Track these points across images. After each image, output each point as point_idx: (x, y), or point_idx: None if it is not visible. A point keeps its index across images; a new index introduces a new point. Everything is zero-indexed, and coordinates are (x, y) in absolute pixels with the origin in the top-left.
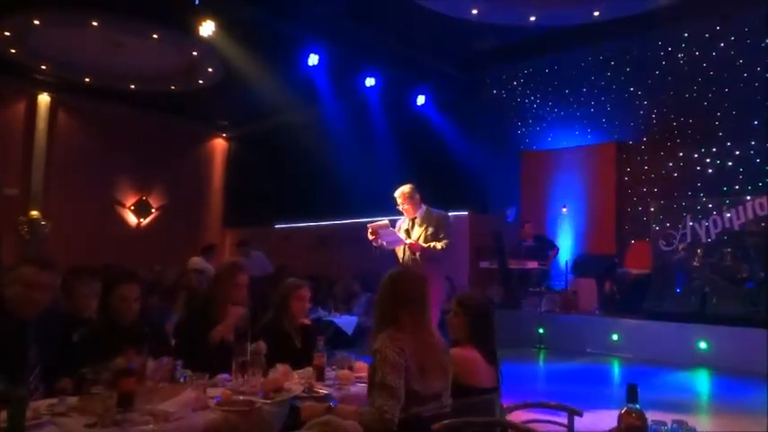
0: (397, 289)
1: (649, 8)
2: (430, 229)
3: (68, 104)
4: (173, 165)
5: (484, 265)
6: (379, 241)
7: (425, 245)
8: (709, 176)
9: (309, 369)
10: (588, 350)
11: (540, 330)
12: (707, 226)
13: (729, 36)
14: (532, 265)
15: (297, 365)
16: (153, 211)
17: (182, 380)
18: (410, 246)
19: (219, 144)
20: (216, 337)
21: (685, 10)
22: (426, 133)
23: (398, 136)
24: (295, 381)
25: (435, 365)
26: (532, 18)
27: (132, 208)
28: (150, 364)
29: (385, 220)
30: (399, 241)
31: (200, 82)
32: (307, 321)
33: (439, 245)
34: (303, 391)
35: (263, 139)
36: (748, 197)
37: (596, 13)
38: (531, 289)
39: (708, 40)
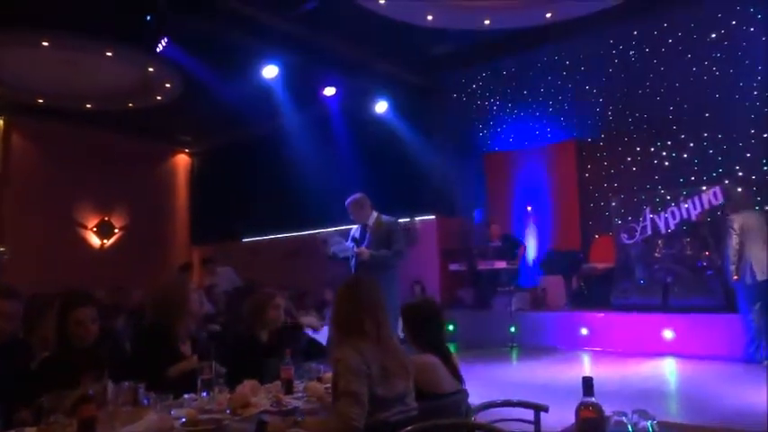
0: (355, 297)
1: (599, 8)
2: (380, 236)
3: (22, 126)
4: (135, 183)
5: (453, 267)
6: (331, 251)
7: (375, 252)
8: (665, 169)
9: (278, 383)
10: (559, 346)
11: (512, 329)
12: (666, 218)
13: (677, 32)
14: (501, 264)
15: (271, 376)
16: (116, 231)
17: (145, 402)
18: (358, 253)
19: (182, 160)
20: (172, 374)
21: (634, 9)
22: (389, 140)
23: (362, 144)
24: (262, 395)
25: (398, 368)
26: (487, 22)
27: (94, 229)
28: (111, 388)
29: (332, 230)
30: (348, 250)
31: (159, 98)
32: (276, 334)
33: (388, 252)
34: (271, 405)
35: (226, 153)
36: (704, 187)
37: (548, 15)
38: (500, 289)
39: (657, 37)
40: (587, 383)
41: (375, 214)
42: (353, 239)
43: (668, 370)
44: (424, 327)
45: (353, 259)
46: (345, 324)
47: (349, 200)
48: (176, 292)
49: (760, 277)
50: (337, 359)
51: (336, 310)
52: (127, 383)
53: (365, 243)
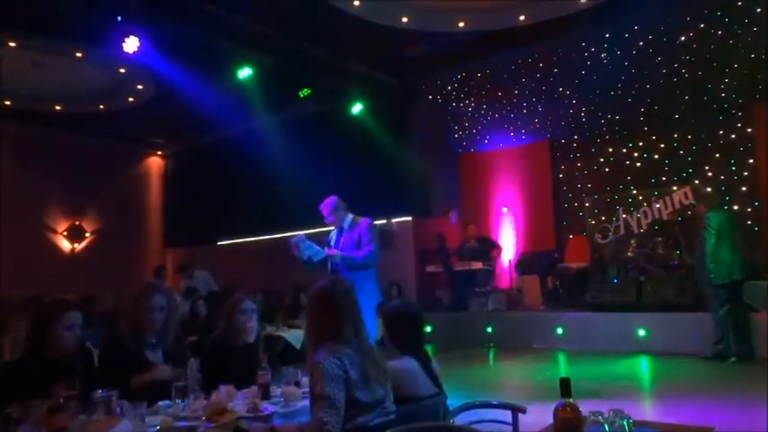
0: (331, 300)
1: (571, 10)
2: (354, 238)
3: None
4: (106, 186)
5: (430, 268)
6: (305, 255)
7: (347, 254)
8: (637, 170)
9: (255, 388)
10: (535, 345)
11: (489, 329)
12: (638, 217)
13: (647, 35)
14: (477, 265)
15: (246, 381)
16: (87, 235)
17: (118, 411)
18: (328, 255)
19: (155, 162)
20: (134, 385)
21: (605, 11)
22: (365, 142)
23: (338, 146)
24: (239, 401)
25: (376, 371)
26: (461, 24)
27: (65, 233)
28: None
29: (301, 235)
30: (320, 252)
31: (130, 100)
32: (249, 339)
33: (360, 253)
34: (247, 411)
35: (200, 155)
36: (674, 188)
37: (522, 18)
38: (477, 289)
39: (628, 40)
40: (565, 384)
41: (351, 216)
42: (328, 244)
43: (642, 368)
44: (404, 329)
45: (329, 262)
46: (321, 328)
47: (322, 204)
48: (137, 295)
49: (732, 277)
50: (313, 364)
51: (312, 313)
52: (99, 392)
53: (340, 246)
